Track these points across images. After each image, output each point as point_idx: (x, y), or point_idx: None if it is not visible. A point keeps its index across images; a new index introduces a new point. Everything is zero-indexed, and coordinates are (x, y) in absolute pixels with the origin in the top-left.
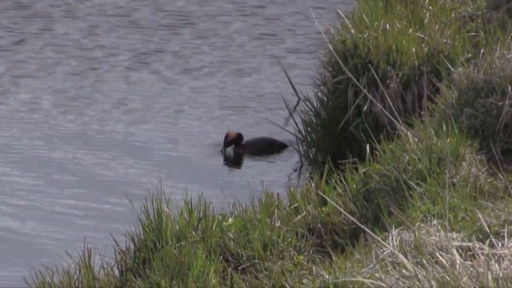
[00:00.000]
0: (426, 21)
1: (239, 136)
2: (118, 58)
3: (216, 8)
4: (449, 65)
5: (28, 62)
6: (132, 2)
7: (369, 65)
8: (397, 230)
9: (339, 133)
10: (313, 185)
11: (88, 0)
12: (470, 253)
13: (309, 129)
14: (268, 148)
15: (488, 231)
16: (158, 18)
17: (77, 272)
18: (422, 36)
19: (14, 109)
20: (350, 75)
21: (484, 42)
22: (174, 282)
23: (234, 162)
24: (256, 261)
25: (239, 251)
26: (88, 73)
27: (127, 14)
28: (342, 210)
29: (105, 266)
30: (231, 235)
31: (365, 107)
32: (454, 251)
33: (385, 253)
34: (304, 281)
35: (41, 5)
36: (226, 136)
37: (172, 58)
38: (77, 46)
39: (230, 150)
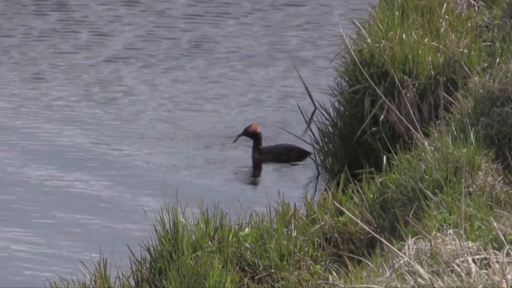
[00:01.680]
0: (442, 30)
1: (258, 134)
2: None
3: (230, 24)
4: (467, 73)
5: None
6: None
7: (385, 74)
8: (413, 239)
9: (355, 142)
10: (329, 194)
11: None
12: (485, 261)
13: (325, 138)
14: (286, 155)
15: (504, 240)
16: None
17: (93, 282)
18: (438, 45)
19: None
20: (370, 81)
21: (500, 51)
22: None
23: (250, 170)
24: (273, 271)
25: (256, 261)
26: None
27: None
28: (358, 220)
29: (120, 276)
30: (248, 245)
31: (382, 116)
32: (470, 260)
33: (401, 262)
34: None
35: None
36: (249, 126)
37: (195, 73)
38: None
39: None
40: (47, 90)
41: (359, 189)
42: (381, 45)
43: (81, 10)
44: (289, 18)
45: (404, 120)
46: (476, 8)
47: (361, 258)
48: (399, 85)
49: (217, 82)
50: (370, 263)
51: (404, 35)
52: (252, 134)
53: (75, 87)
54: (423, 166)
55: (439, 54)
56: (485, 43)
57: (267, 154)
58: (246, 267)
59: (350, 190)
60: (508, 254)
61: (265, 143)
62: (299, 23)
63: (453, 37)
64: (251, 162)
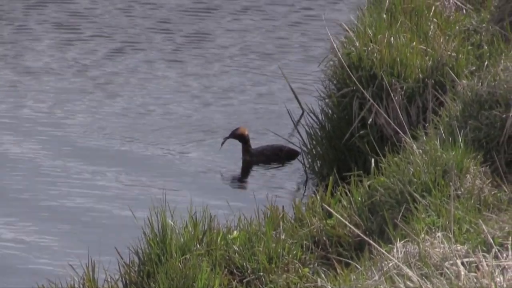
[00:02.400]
0: (430, 33)
1: (246, 136)
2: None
3: (217, 23)
4: (455, 76)
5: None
6: None
7: (374, 78)
8: (401, 242)
9: (344, 145)
10: (318, 197)
11: None
12: (474, 264)
13: (313, 141)
14: (276, 155)
15: (493, 242)
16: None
17: (81, 286)
18: (426, 48)
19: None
20: (358, 84)
21: (488, 54)
22: None
23: (240, 173)
24: (261, 274)
25: (244, 264)
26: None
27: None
28: (347, 222)
29: (109, 280)
30: (236, 248)
31: (370, 119)
32: (459, 263)
33: (390, 265)
34: None
35: None
36: (237, 129)
37: (175, 70)
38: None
39: (238, 155)
40: (46, 83)
41: (348, 192)
42: (369, 48)
43: (81, 1)
44: (276, 20)
45: (392, 123)
46: (464, 11)
47: (349, 261)
48: (388, 88)
49: (201, 84)
50: (358, 266)
51: (392, 38)
52: (240, 137)
53: (76, 80)
54: (412, 169)
55: (427, 57)
56: (473, 46)
57: (258, 156)
58: (235, 270)
59: (339, 193)
60: (496, 257)
61: (252, 145)
62: (287, 25)
63: (441, 40)
64: (240, 164)
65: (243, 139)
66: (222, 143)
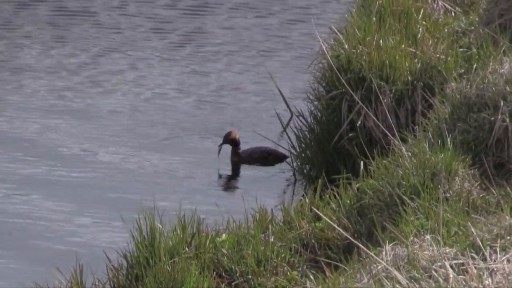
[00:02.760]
0: (419, 36)
1: (237, 140)
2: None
3: (209, 21)
4: (444, 79)
5: None
6: None
7: (363, 80)
8: (390, 245)
9: (332, 148)
10: (307, 200)
11: None
12: (463, 267)
13: (302, 144)
14: (264, 159)
15: (481, 245)
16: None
17: None
18: (415, 51)
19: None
20: (347, 87)
21: (477, 57)
22: None
23: (228, 175)
24: (250, 277)
25: (233, 267)
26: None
27: None
28: (335, 225)
29: (97, 283)
30: (225, 251)
31: (359, 122)
32: (448, 266)
33: (379, 268)
34: None
35: None
36: (229, 133)
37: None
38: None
39: (226, 157)
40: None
41: (336, 194)
42: (358, 51)
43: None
44: (265, 23)
45: (381, 126)
46: (453, 14)
47: (338, 264)
48: (377, 90)
49: (191, 84)
50: (347, 269)
51: (381, 41)
52: (231, 141)
53: (72, 79)
54: (400, 172)
55: (416, 60)
56: (462, 49)
57: (246, 157)
58: (223, 273)
59: (327, 196)
60: (485, 260)
61: (243, 147)
62: (276, 27)
63: (430, 43)
64: (228, 166)
65: (234, 143)
66: (219, 151)
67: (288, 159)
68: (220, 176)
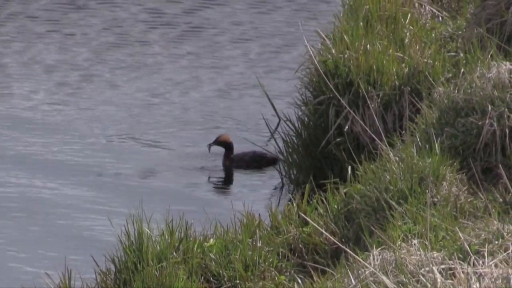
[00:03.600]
0: (406, 41)
1: (230, 143)
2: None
3: (203, 22)
4: (431, 83)
5: None
6: None
7: (350, 85)
8: (378, 249)
9: (320, 153)
10: (294, 205)
11: None
12: (450, 272)
13: (290, 149)
14: (257, 162)
15: (469, 250)
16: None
17: None
18: (403, 56)
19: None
20: (335, 92)
21: (464, 61)
22: None
23: (217, 180)
24: (238, 281)
25: (221, 271)
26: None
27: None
28: (323, 230)
29: (85, 287)
30: (213, 256)
31: (346, 127)
32: (435, 270)
33: (366, 272)
34: None
35: None
36: (219, 136)
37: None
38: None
39: (217, 161)
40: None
41: (324, 199)
42: (346, 56)
43: None
44: (253, 28)
45: (369, 131)
46: (440, 18)
47: (326, 269)
48: (364, 95)
49: (181, 90)
50: (335, 274)
51: (368, 46)
52: (223, 144)
53: (65, 77)
54: (388, 177)
55: (403, 65)
56: (449, 54)
57: (238, 162)
58: (211, 278)
59: (315, 201)
60: (473, 264)
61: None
62: (264, 32)
63: (417, 48)
64: (217, 171)
65: (227, 146)
66: (209, 149)
67: (276, 164)
68: (208, 181)
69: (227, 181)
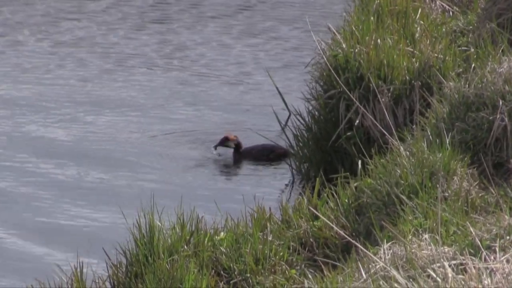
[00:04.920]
0: (417, 35)
1: (234, 142)
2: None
3: (208, 18)
4: (442, 78)
5: None
6: None
7: (361, 79)
8: (388, 244)
9: (330, 147)
10: (305, 199)
11: None
12: (461, 267)
13: (300, 143)
14: (266, 156)
15: (480, 245)
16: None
17: (69, 286)
18: (413, 50)
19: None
20: (344, 87)
21: (475, 56)
22: None
23: (227, 173)
24: (248, 275)
25: (231, 265)
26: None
27: None
28: (333, 225)
29: (97, 280)
30: (223, 249)
31: (357, 121)
32: (446, 265)
33: (377, 267)
34: None
35: None
36: (225, 138)
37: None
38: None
39: (226, 155)
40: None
41: (334, 193)
42: (356, 50)
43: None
44: (263, 23)
45: (379, 125)
46: (451, 13)
47: (336, 263)
48: (374, 90)
49: (191, 85)
50: (345, 268)
51: (379, 40)
52: (228, 144)
53: (60, 84)
54: (398, 171)
55: (414, 59)
56: (460, 48)
57: (248, 155)
58: (222, 272)
59: (325, 195)
60: (484, 260)
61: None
62: (274, 28)
63: (428, 42)
64: (228, 165)
65: (236, 145)
66: (215, 148)
67: (286, 158)
68: (219, 175)
69: (238, 175)
